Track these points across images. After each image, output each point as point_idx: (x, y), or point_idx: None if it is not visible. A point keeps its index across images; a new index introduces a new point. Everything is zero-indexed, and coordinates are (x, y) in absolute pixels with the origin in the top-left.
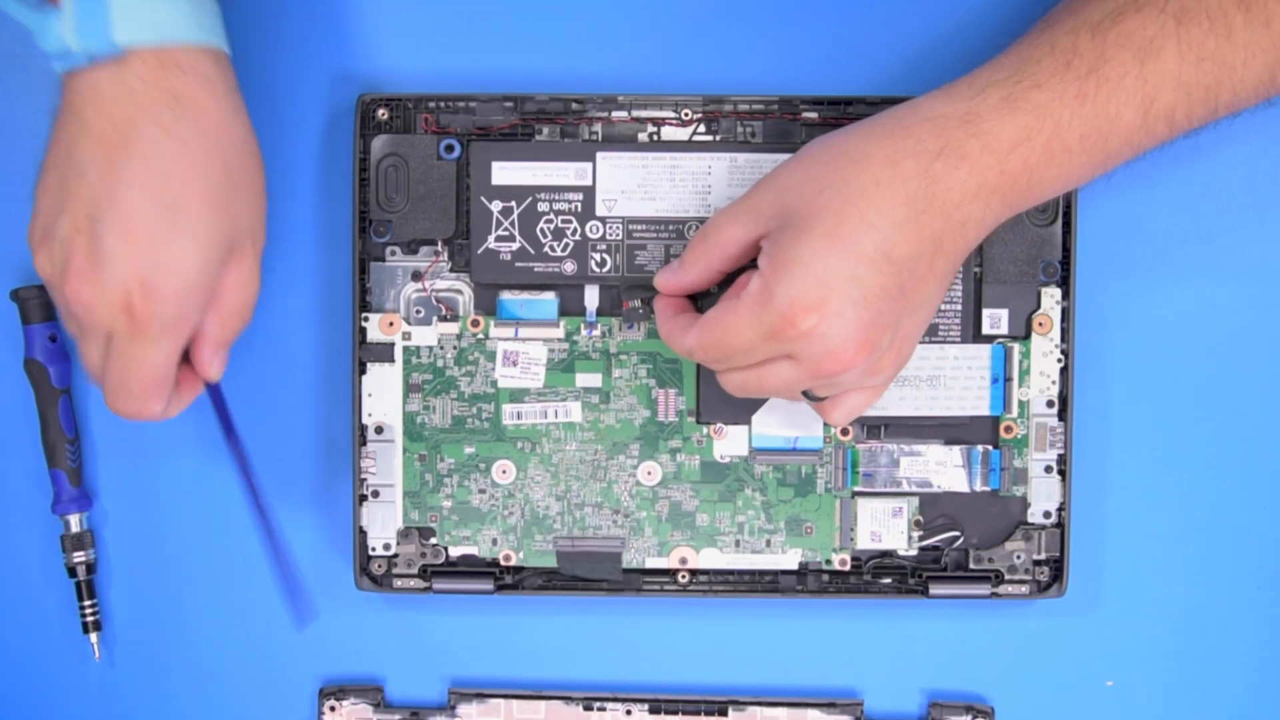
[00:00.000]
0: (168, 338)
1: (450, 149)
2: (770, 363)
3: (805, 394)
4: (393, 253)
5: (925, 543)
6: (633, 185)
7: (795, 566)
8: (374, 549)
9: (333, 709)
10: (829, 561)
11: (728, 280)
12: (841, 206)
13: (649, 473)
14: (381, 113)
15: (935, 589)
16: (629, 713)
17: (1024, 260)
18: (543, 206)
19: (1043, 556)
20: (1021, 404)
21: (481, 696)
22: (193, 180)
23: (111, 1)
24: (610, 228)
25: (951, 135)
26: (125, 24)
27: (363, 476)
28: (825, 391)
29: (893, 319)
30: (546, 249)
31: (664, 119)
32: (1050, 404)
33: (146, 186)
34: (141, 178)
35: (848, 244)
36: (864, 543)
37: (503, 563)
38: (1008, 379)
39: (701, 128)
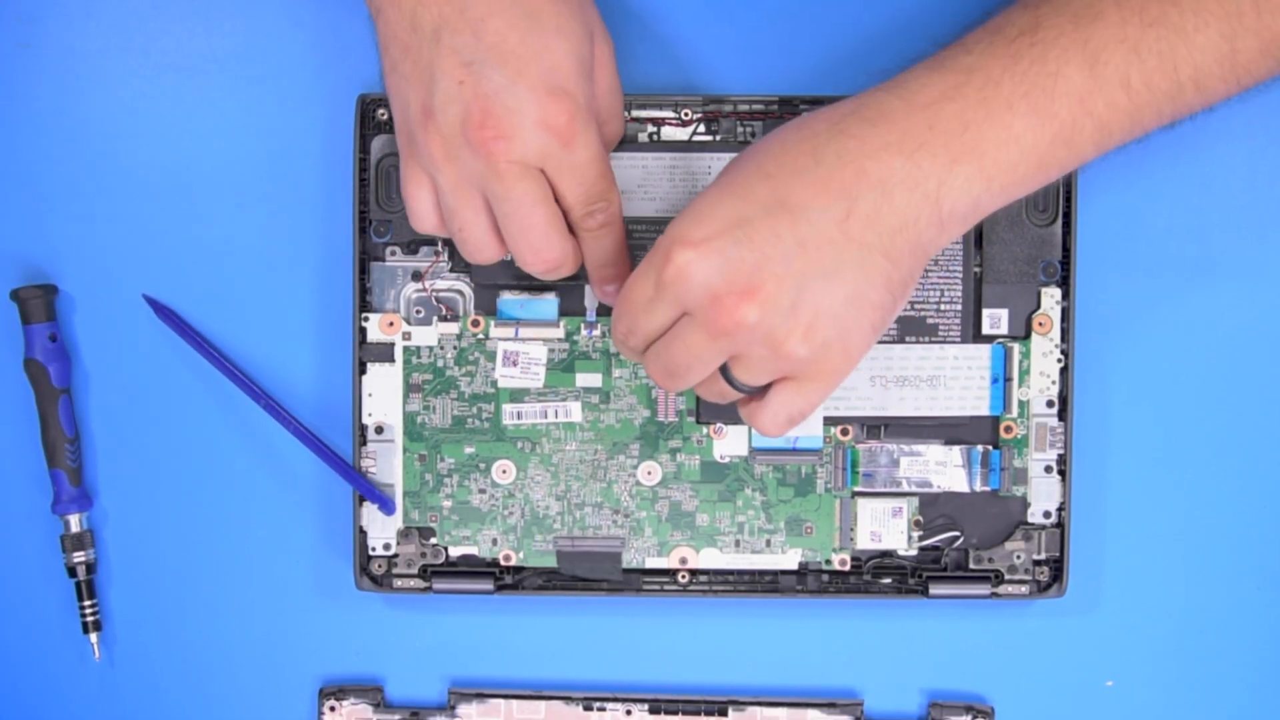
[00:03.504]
0: (589, 127)
1: None
2: (674, 327)
3: (729, 381)
4: (393, 253)
5: (925, 543)
6: (633, 185)
7: (795, 566)
8: (374, 549)
9: (333, 709)
10: (829, 561)
11: None
12: (744, 162)
13: (649, 473)
14: (381, 113)
15: (935, 589)
16: (629, 713)
17: (1024, 260)
18: None
19: (1043, 556)
20: (1021, 404)
21: (481, 696)
22: None
23: None
24: None
25: (871, 97)
26: None
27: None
28: (744, 373)
29: (789, 274)
30: None
31: (664, 119)
32: (1050, 404)
33: (499, 10)
34: (491, 5)
35: (740, 189)
36: (864, 543)
37: (503, 563)
38: (1008, 379)
39: (701, 128)
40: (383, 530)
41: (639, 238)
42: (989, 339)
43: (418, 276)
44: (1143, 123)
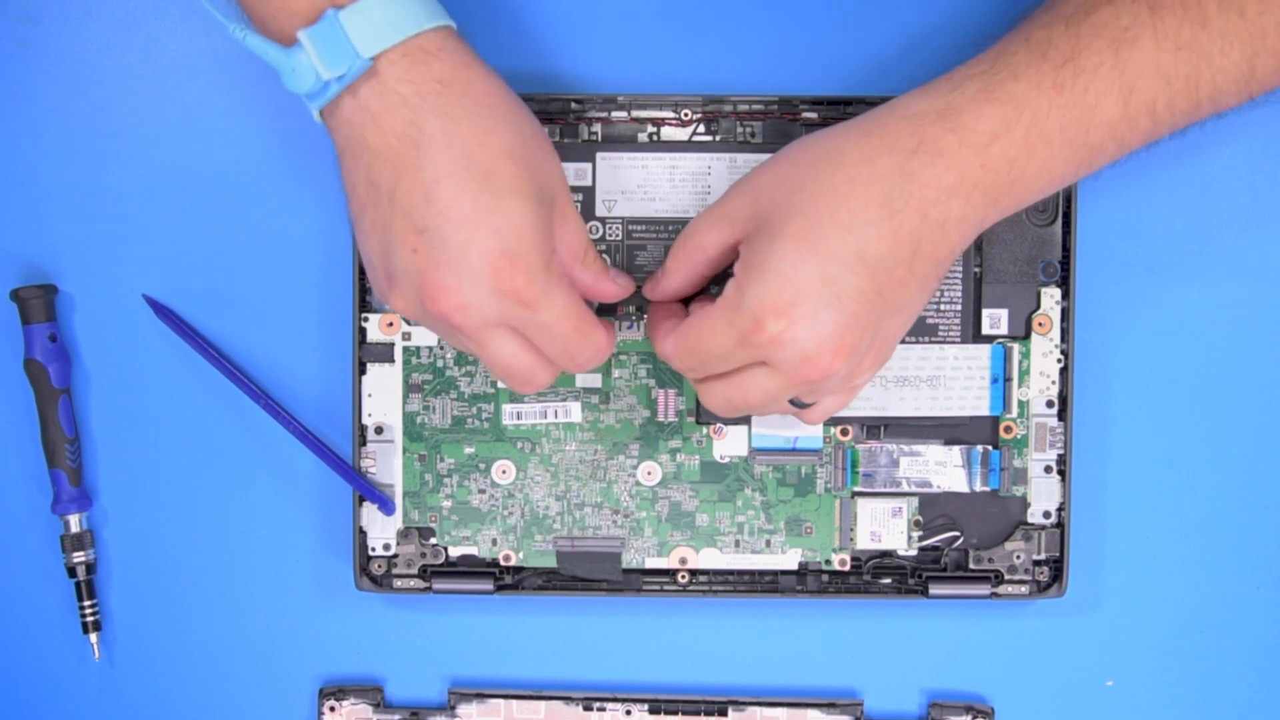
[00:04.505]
0: (551, 285)
1: None
2: (747, 370)
3: (791, 401)
4: None
5: (925, 543)
6: (632, 185)
7: (795, 566)
8: (374, 549)
9: (333, 709)
10: (829, 561)
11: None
12: (814, 208)
13: (649, 473)
14: None
15: (935, 589)
16: (629, 713)
17: (1024, 260)
18: None
19: (1042, 556)
20: (1021, 404)
21: (481, 696)
22: (491, 147)
23: (344, 20)
24: (610, 228)
25: (928, 131)
26: (365, 35)
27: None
28: (810, 398)
29: (871, 321)
30: None
31: (664, 119)
32: (1050, 404)
33: (454, 172)
34: (446, 167)
35: (820, 246)
36: (864, 543)
37: (503, 563)
38: (1007, 379)
39: (701, 128)
40: (383, 530)
41: (639, 237)
42: (989, 339)
43: None
44: (1157, 139)
